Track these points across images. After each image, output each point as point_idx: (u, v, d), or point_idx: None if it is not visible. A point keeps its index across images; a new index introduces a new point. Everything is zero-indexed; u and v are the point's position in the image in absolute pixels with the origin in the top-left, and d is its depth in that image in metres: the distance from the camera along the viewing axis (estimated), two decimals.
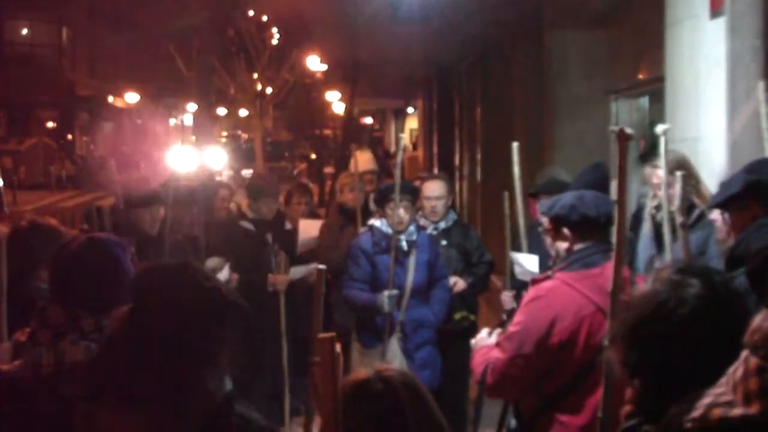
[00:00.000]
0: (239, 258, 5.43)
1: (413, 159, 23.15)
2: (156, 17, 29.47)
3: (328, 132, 35.98)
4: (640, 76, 6.99)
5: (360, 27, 14.37)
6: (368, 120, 41.04)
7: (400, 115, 33.43)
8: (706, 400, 1.51)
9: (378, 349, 4.98)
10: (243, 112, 31.43)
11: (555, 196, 3.35)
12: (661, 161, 3.30)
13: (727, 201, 3.19)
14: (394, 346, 4.96)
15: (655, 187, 4.21)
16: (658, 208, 4.09)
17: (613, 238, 2.57)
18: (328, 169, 24.32)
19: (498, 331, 3.34)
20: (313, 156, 31.29)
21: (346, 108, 22.62)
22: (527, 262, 4.20)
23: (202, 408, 1.92)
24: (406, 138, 22.97)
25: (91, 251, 2.48)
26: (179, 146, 11.11)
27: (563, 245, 3.16)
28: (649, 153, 4.82)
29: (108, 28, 37.48)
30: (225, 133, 48.18)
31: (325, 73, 23.86)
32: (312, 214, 6.77)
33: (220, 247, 5.45)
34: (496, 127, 11.42)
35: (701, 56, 4.65)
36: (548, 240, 3.26)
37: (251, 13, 24.88)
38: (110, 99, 40.34)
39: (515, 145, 4.28)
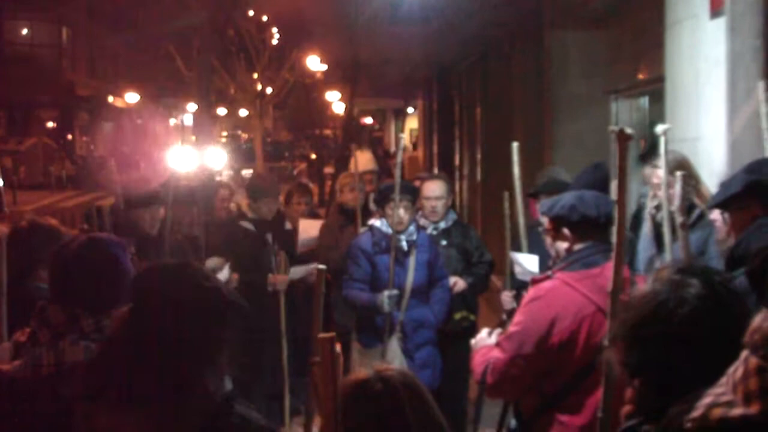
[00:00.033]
0: (239, 258, 5.43)
1: (413, 159, 23.17)
2: (156, 17, 29.49)
3: (328, 132, 35.99)
4: (640, 76, 6.98)
5: (360, 27, 14.37)
6: (368, 120, 41.08)
7: (400, 115, 33.46)
8: (706, 400, 1.51)
9: (378, 349, 4.98)
10: (243, 112, 31.44)
11: (555, 196, 3.35)
12: (661, 161, 3.29)
13: (727, 201, 3.19)
14: (394, 346, 4.96)
15: (655, 187, 4.20)
16: (658, 208, 4.08)
17: (613, 238, 2.57)
18: (328, 169, 24.27)
19: (498, 331, 3.34)
20: (313, 156, 31.24)
21: (346, 108, 22.59)
22: (527, 262, 4.20)
23: (202, 408, 1.91)
24: (406, 138, 22.92)
25: (91, 251, 2.48)
26: (179, 146, 11.12)
27: (563, 245, 3.17)
28: (649, 153, 4.82)
29: (108, 27, 37.49)
30: (225, 133, 48.24)
31: (325, 73, 23.82)
32: (312, 214, 6.76)
33: (220, 247, 5.45)
34: (496, 127, 11.41)
35: (701, 56, 4.65)
36: (548, 240, 3.27)
37: (251, 13, 24.85)
38: (110, 99, 40.34)
39: (515, 145, 4.29)
